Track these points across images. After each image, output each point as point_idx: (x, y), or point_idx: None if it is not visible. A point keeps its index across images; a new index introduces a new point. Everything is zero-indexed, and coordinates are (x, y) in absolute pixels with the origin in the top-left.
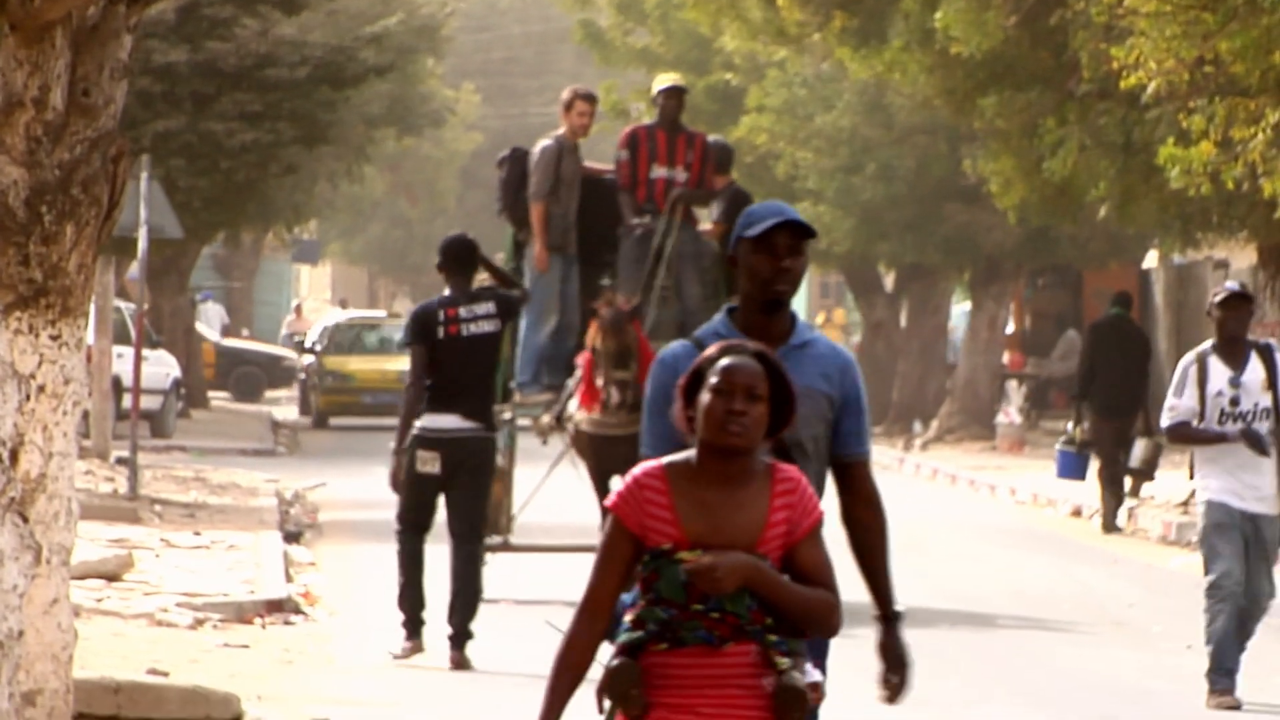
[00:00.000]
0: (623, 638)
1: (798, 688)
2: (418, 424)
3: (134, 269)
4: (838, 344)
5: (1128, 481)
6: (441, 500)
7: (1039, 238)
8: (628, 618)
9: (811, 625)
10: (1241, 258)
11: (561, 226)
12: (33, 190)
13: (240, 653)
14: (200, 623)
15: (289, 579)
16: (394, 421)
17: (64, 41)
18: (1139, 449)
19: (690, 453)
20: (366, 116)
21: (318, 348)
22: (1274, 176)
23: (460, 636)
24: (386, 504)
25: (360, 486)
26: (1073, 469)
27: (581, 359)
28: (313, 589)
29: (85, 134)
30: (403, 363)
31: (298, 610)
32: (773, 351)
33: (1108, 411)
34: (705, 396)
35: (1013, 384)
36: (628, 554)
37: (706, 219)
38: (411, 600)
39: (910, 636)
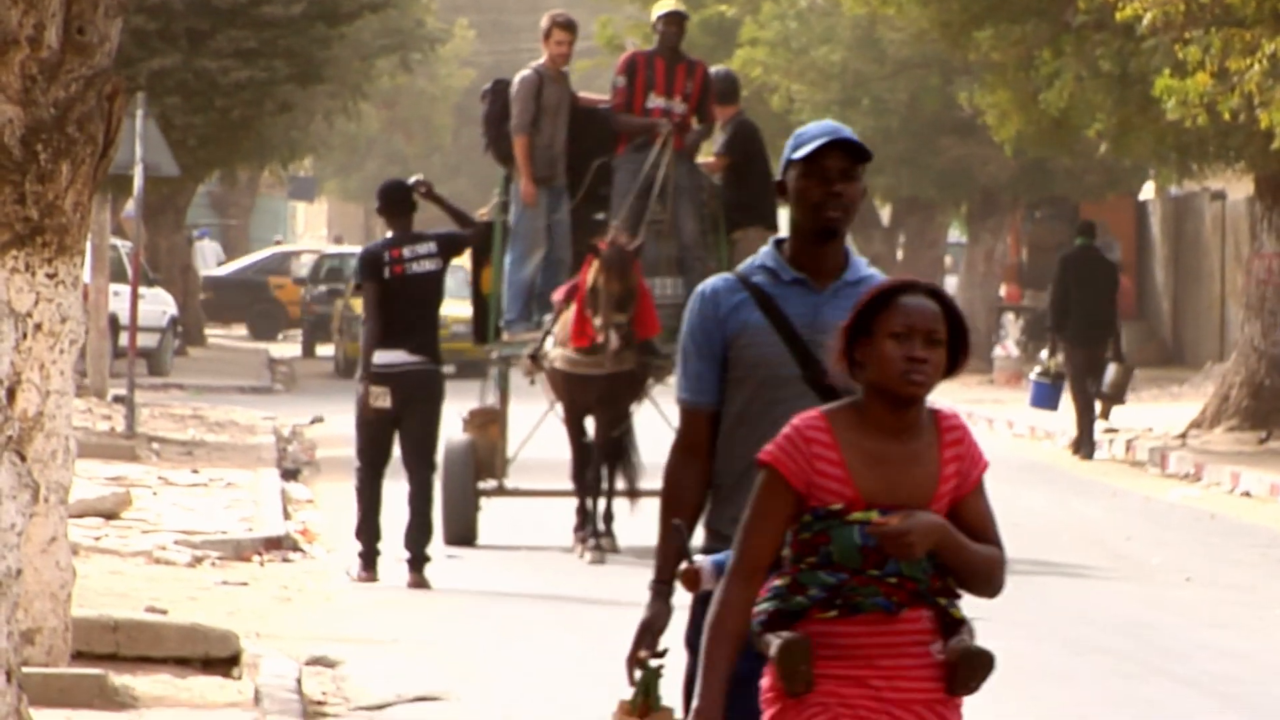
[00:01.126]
0: (770, 605)
1: (984, 652)
2: (371, 362)
3: (130, 207)
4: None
5: (1098, 406)
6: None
7: (1035, 170)
8: (777, 582)
9: (982, 585)
10: (1238, 189)
11: (547, 158)
12: (28, 129)
13: (239, 590)
14: (198, 560)
15: (287, 516)
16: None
17: None
18: (1110, 374)
19: (848, 401)
20: (361, 49)
21: (319, 289)
22: (1270, 107)
23: (417, 560)
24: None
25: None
26: (1046, 399)
27: (559, 294)
28: (311, 526)
29: (81, 72)
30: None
31: (296, 547)
32: (935, 286)
33: (1079, 340)
34: (881, 342)
35: (1009, 316)
36: (788, 512)
37: (709, 151)
38: (368, 534)
39: None
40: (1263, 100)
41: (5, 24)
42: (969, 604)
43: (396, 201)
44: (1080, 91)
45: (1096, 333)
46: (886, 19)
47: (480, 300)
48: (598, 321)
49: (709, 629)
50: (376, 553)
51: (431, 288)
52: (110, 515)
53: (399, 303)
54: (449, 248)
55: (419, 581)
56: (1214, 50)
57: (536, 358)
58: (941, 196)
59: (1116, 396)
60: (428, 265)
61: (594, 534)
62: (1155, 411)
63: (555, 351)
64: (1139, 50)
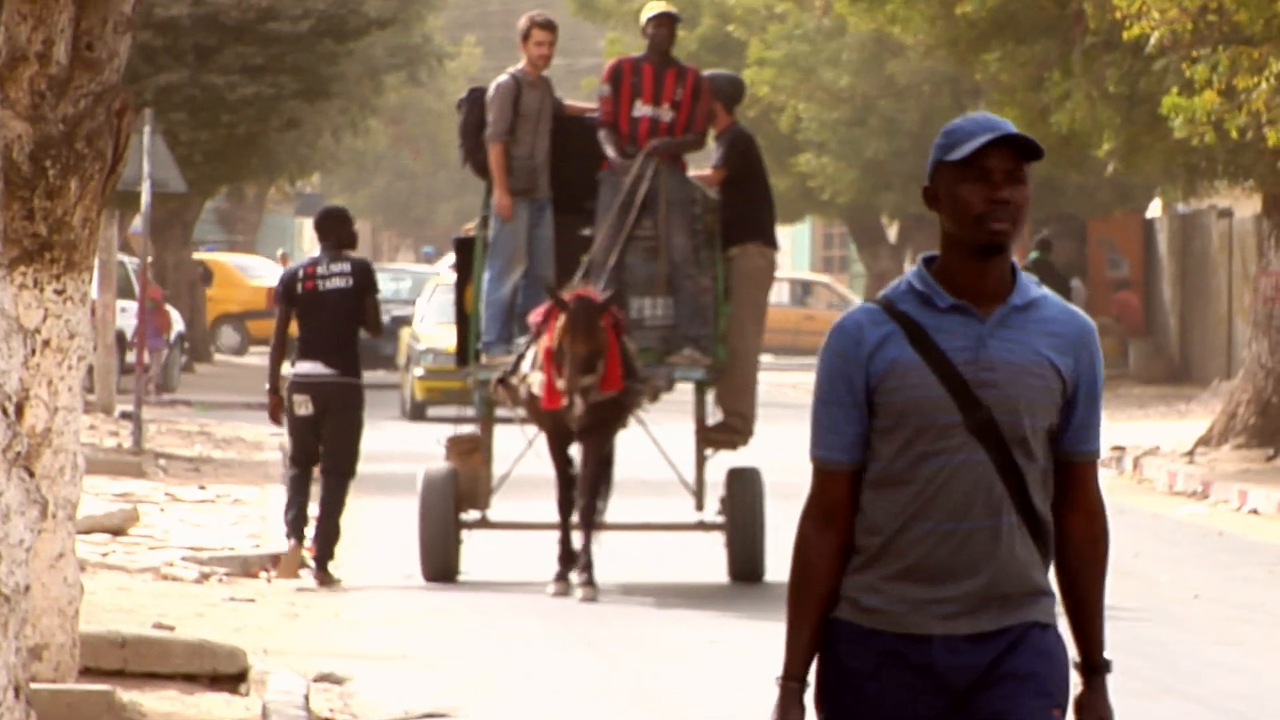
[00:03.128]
0: None
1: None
2: (292, 371)
3: (137, 223)
4: (1070, 305)
5: None
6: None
7: (1044, 187)
8: None
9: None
10: (1245, 206)
11: (527, 168)
12: (37, 144)
13: (246, 606)
14: (206, 577)
15: None
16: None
17: None
18: None
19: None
20: (369, 65)
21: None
22: (1278, 125)
23: (322, 559)
24: (392, 458)
25: (365, 440)
26: None
27: (536, 315)
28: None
29: (89, 88)
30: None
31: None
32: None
33: None
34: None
35: None
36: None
37: (703, 164)
38: (294, 520)
39: None
40: (1270, 118)
41: (14, 40)
42: None
43: (325, 227)
44: (1089, 111)
45: None
46: (894, 45)
47: (463, 320)
48: (561, 385)
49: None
50: (302, 535)
51: (342, 304)
52: (118, 531)
53: (312, 318)
54: (364, 274)
55: (324, 580)
56: (1221, 68)
57: (507, 382)
58: None
59: None
60: (338, 283)
61: (586, 567)
62: (1163, 429)
63: (535, 377)
64: (1148, 70)
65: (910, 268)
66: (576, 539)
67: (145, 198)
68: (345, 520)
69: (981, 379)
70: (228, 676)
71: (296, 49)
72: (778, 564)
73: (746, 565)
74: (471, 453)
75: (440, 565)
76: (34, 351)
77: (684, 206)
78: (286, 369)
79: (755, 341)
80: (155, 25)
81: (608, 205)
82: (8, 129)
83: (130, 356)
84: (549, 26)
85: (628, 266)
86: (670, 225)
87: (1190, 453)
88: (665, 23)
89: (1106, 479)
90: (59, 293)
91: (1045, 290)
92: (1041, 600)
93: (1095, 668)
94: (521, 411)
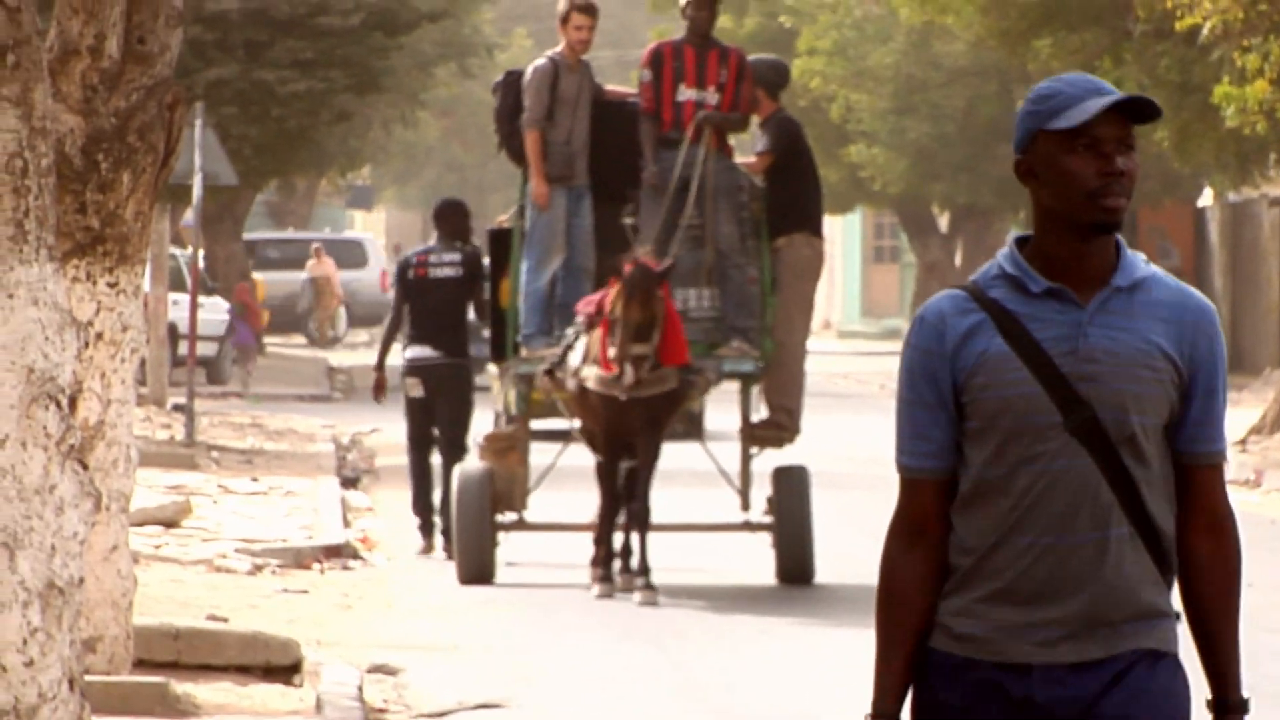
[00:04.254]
0: None
1: None
2: (404, 355)
3: (189, 216)
4: (1183, 283)
5: None
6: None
7: None
8: None
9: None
10: None
11: (564, 155)
12: (89, 138)
13: (299, 598)
14: (259, 568)
15: (347, 524)
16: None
17: None
18: None
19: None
20: (419, 57)
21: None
22: None
23: (448, 531)
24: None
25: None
26: None
27: (584, 306)
28: (370, 534)
29: (141, 82)
30: None
31: (356, 555)
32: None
33: None
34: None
35: None
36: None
37: (748, 151)
38: (422, 507)
39: None
40: None
41: (66, 34)
42: None
43: (443, 217)
44: None
45: None
46: (943, 29)
47: (498, 314)
48: (612, 352)
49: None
50: (432, 524)
51: (451, 291)
52: (171, 524)
53: (422, 304)
54: (475, 263)
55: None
56: (1273, 58)
57: (554, 374)
58: (999, 203)
59: None
60: (449, 271)
61: (644, 569)
62: None
63: (588, 370)
64: (1200, 58)
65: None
66: (617, 539)
67: (197, 191)
68: (403, 511)
69: (1083, 372)
70: (281, 668)
71: (347, 43)
72: (826, 566)
73: (795, 567)
74: (507, 452)
75: (476, 568)
76: (87, 345)
77: (731, 194)
78: (396, 351)
79: (802, 335)
80: (205, 20)
81: (652, 193)
82: (60, 123)
83: (183, 349)
84: (589, 10)
85: (669, 256)
86: (717, 213)
87: (1242, 441)
88: (706, 4)
89: None
90: (112, 286)
91: (1155, 268)
92: (1158, 624)
93: (1228, 707)
94: (566, 407)
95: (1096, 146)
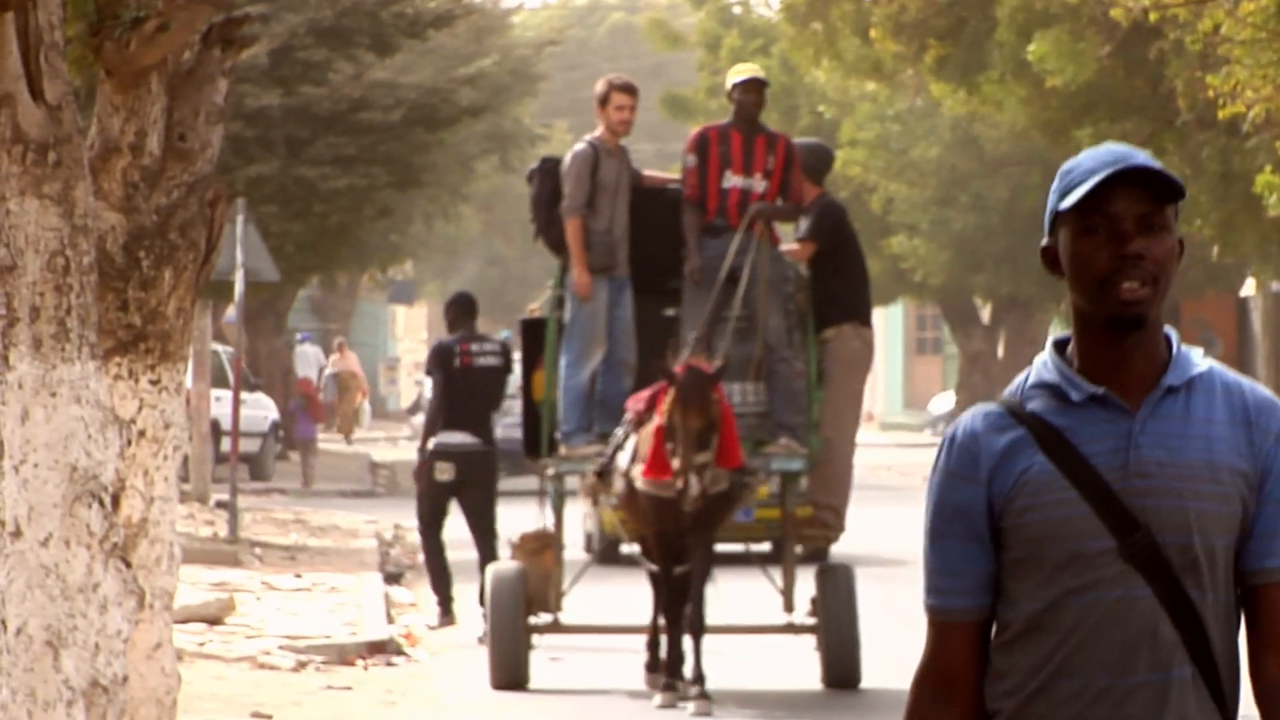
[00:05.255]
0: None
1: None
2: (434, 441)
3: (231, 312)
4: (1243, 378)
5: None
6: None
7: None
8: None
9: None
10: None
11: (606, 244)
12: (130, 235)
13: (343, 694)
14: (303, 665)
15: (390, 620)
16: None
17: (159, 87)
18: None
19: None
20: (460, 152)
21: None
22: None
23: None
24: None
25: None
26: None
27: (638, 403)
28: (414, 629)
29: (182, 178)
30: None
31: (400, 651)
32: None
33: None
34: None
35: None
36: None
37: (790, 238)
38: (440, 583)
39: None
40: None
41: (107, 131)
42: None
43: (462, 309)
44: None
45: None
46: (985, 118)
47: (531, 408)
48: (676, 464)
49: None
50: (450, 599)
51: (493, 380)
52: (214, 620)
53: (463, 391)
54: (508, 354)
55: None
56: None
57: (606, 475)
58: (1042, 294)
59: None
60: (491, 360)
61: (699, 678)
62: None
63: (638, 470)
64: (1242, 148)
65: (1002, 349)
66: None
67: (239, 287)
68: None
69: (1136, 489)
70: None
71: (388, 139)
72: (872, 666)
73: (842, 671)
74: (540, 551)
75: (511, 672)
76: (130, 442)
77: (778, 285)
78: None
79: (851, 431)
80: (247, 116)
81: (694, 304)
82: (101, 220)
83: (225, 445)
84: (630, 90)
85: (714, 350)
86: (766, 305)
87: None
88: (754, 88)
89: None
90: (154, 383)
91: (1211, 362)
92: None
93: None
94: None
95: (1112, 225)
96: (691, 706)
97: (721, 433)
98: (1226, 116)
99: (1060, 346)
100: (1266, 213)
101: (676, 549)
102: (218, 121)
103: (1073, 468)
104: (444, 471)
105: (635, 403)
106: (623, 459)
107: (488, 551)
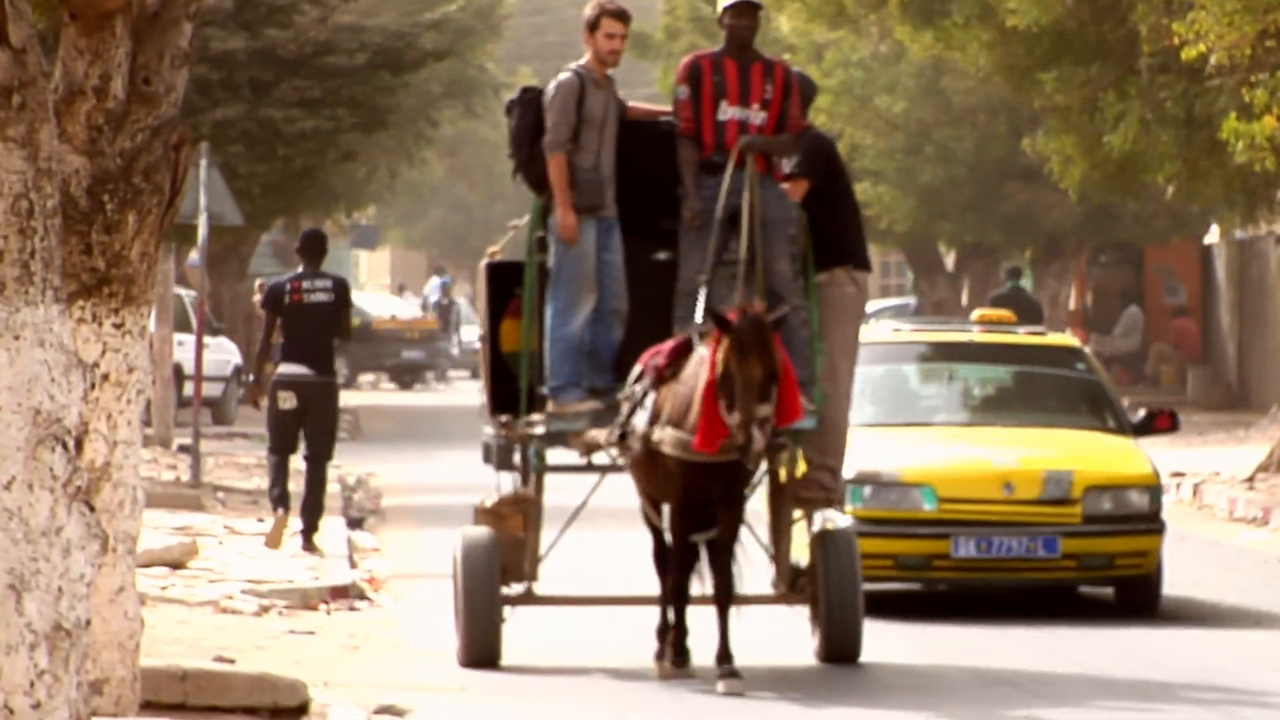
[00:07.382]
0: None
1: None
2: (277, 371)
3: (194, 256)
4: None
5: None
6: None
7: (1100, 215)
8: None
9: None
10: None
11: (593, 182)
12: (95, 179)
13: (306, 639)
14: (265, 609)
15: (353, 565)
16: None
17: (124, 30)
18: None
19: None
20: (424, 96)
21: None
22: None
23: (308, 531)
24: (450, 489)
25: (424, 471)
26: None
27: (657, 357)
28: (377, 574)
29: (146, 122)
30: None
31: (363, 596)
32: None
33: None
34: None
35: None
36: None
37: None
38: (279, 492)
39: (967, 611)
40: None
41: (71, 75)
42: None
43: (313, 248)
44: (1145, 135)
45: None
46: (951, 66)
47: (499, 360)
48: (734, 419)
49: None
50: (289, 501)
51: (325, 314)
52: (177, 565)
53: (296, 326)
54: (343, 290)
55: (310, 548)
56: None
57: (626, 437)
58: (1006, 242)
59: None
60: (322, 297)
61: (726, 655)
62: (1222, 455)
63: (665, 433)
64: (1205, 92)
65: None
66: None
67: (202, 231)
68: (411, 551)
69: None
70: (288, 709)
71: (353, 82)
72: (871, 642)
73: (842, 645)
74: (511, 517)
75: (483, 648)
76: (93, 386)
77: (782, 225)
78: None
79: (847, 384)
80: (211, 59)
81: (691, 247)
82: (65, 163)
83: (188, 390)
84: (623, 17)
85: (716, 297)
86: (772, 247)
87: (1250, 479)
88: (747, 12)
89: (1168, 506)
90: (117, 327)
91: None
92: None
93: None
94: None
95: None
96: (721, 686)
97: (781, 384)
98: (1189, 59)
99: None
100: (1232, 159)
101: (703, 516)
102: (182, 65)
103: None
104: (286, 400)
105: (654, 356)
106: (640, 419)
107: (317, 474)
